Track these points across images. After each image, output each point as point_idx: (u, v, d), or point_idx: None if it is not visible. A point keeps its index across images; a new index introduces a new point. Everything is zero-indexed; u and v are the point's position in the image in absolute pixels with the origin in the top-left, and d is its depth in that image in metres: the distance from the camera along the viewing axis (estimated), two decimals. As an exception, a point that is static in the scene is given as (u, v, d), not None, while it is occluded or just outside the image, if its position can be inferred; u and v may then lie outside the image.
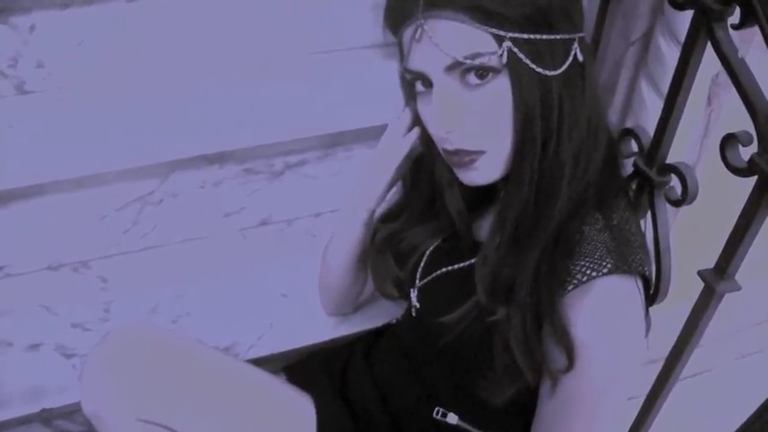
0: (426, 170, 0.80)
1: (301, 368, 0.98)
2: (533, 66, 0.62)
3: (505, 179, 0.70)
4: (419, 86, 0.69)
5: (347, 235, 0.89)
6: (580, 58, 0.66)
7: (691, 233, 1.06)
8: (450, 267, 0.79)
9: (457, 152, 0.67)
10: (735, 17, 0.64)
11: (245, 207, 1.14)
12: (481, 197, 0.80)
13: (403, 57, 0.69)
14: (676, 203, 0.78)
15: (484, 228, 0.80)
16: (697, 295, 0.75)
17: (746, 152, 0.65)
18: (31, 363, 0.99)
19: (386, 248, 0.87)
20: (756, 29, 0.61)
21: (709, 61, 0.70)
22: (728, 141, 0.66)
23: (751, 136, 0.64)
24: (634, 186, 0.84)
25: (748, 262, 0.70)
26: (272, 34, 1.08)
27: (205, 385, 0.83)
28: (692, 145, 1.04)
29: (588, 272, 0.65)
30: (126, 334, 0.82)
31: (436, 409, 0.82)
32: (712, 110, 1.01)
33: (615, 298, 0.66)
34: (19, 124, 0.97)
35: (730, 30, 0.66)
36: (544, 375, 0.70)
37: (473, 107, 0.65)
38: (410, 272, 0.84)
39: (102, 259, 1.10)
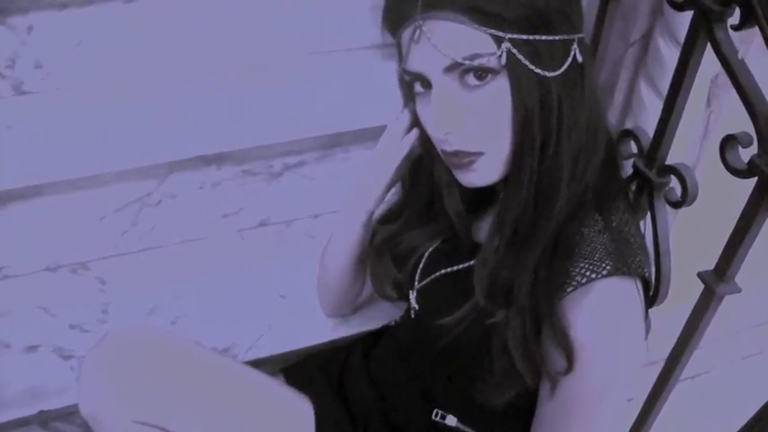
0: (425, 171, 0.80)
1: (300, 370, 0.97)
2: (532, 67, 0.62)
3: (504, 181, 0.69)
4: (418, 87, 0.69)
5: (346, 236, 0.89)
6: (579, 58, 0.65)
7: (690, 234, 1.06)
8: (449, 269, 0.79)
9: (456, 153, 0.67)
10: (734, 18, 0.64)
11: (244, 208, 1.14)
12: (480, 199, 0.79)
13: (401, 58, 0.69)
14: (676, 205, 0.78)
15: (483, 229, 0.79)
16: (697, 297, 0.75)
17: (746, 153, 0.65)
18: (29, 364, 0.98)
19: (385, 250, 0.86)
20: (756, 30, 0.60)
21: (709, 62, 0.70)
22: (728, 143, 0.66)
23: (751, 137, 0.64)
24: (633, 188, 0.83)
25: (748, 263, 0.70)
26: (270, 35, 1.08)
27: (203, 387, 0.83)
28: (691, 146, 1.04)
29: (587, 273, 0.65)
30: (124, 336, 0.82)
31: (435, 411, 0.82)
32: (712, 111, 1.01)
33: (614, 300, 0.65)
34: (17, 125, 0.97)
35: (730, 30, 0.66)
36: (543, 377, 0.69)
37: (472, 108, 0.64)
38: (409, 273, 0.84)
39: (101, 260, 1.10)
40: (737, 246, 0.68)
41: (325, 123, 1.06)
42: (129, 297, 1.08)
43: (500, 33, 0.61)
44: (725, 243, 0.70)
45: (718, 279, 0.71)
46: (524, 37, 0.62)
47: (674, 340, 0.81)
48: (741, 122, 0.65)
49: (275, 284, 1.11)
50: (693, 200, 0.76)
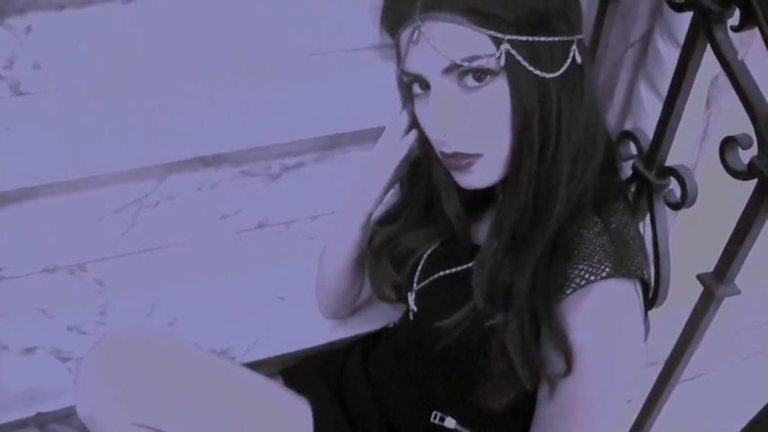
0: (424, 173, 0.80)
1: (298, 372, 0.97)
2: (531, 68, 0.62)
3: (503, 182, 0.69)
4: (416, 89, 0.69)
5: (344, 238, 0.89)
6: (578, 60, 0.65)
7: (690, 236, 1.05)
8: (447, 271, 0.78)
9: (454, 155, 0.67)
10: (734, 19, 0.63)
11: (242, 209, 1.14)
12: (479, 200, 0.79)
13: (400, 59, 0.68)
14: (675, 206, 0.78)
15: (482, 231, 0.79)
16: (696, 298, 0.75)
17: (746, 155, 0.64)
18: (27, 366, 0.98)
19: (383, 251, 0.86)
20: (756, 31, 0.60)
21: (709, 63, 0.70)
22: (728, 144, 0.65)
23: (751, 139, 0.64)
24: (633, 189, 0.83)
25: (748, 264, 0.70)
26: (269, 36, 1.08)
27: (201, 390, 0.82)
28: (690, 147, 1.04)
29: (586, 276, 0.64)
30: (122, 338, 0.82)
31: (434, 413, 0.82)
32: (711, 112, 1.00)
33: (614, 302, 0.65)
34: (15, 126, 0.97)
35: (730, 32, 0.65)
36: (542, 379, 0.69)
37: (470, 110, 0.64)
38: (407, 275, 0.83)
39: (99, 262, 1.10)
40: (737, 248, 0.67)
41: (324, 124, 1.05)
42: (127, 299, 1.08)
43: (499, 35, 0.61)
44: (724, 245, 0.70)
45: (717, 281, 0.71)
46: (523, 38, 0.61)
47: (674, 341, 0.80)
48: (741, 124, 0.64)
49: (274, 286, 1.11)
50: (693, 201, 0.76)
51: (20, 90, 1.00)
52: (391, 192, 0.87)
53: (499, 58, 0.61)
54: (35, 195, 1.00)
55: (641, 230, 0.78)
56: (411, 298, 0.83)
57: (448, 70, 0.63)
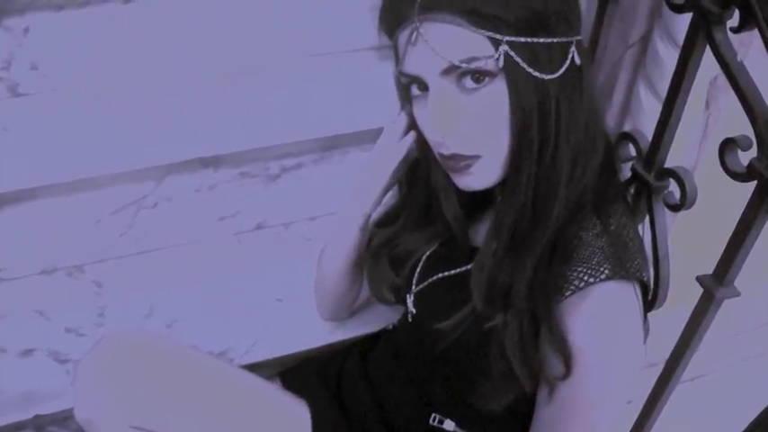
0: (422, 174, 0.79)
1: (297, 374, 0.97)
2: (530, 70, 0.62)
3: (502, 184, 0.69)
4: (415, 90, 0.69)
5: (343, 239, 0.89)
6: (578, 61, 0.65)
7: (689, 238, 1.05)
8: (446, 273, 0.78)
9: (453, 157, 0.67)
10: (734, 20, 0.63)
11: (241, 211, 1.14)
12: (478, 202, 0.79)
13: (398, 60, 0.68)
14: (675, 208, 0.78)
15: (480, 233, 0.79)
16: (696, 299, 0.75)
17: (745, 157, 0.64)
18: (25, 368, 0.98)
19: (382, 253, 0.86)
20: (755, 32, 0.60)
21: (708, 64, 0.69)
22: (727, 146, 0.65)
23: (750, 141, 0.64)
24: (632, 191, 0.83)
25: (747, 265, 0.70)
26: (268, 36, 1.08)
27: (199, 392, 0.82)
28: (689, 148, 1.03)
29: (586, 278, 0.64)
30: (120, 340, 0.81)
31: (433, 415, 0.82)
32: (710, 113, 1.00)
33: (613, 304, 0.65)
34: (13, 127, 0.97)
35: (729, 33, 0.65)
36: (541, 381, 0.69)
37: (469, 111, 0.64)
38: (406, 277, 0.83)
39: (97, 263, 1.09)
40: (737, 249, 0.67)
41: (324, 125, 1.05)
42: (126, 300, 1.08)
43: (498, 36, 0.61)
44: (724, 246, 0.69)
45: (717, 283, 0.71)
46: (522, 39, 0.61)
47: (674, 342, 0.80)
48: (740, 125, 0.64)
49: (272, 288, 1.11)
50: (692, 203, 0.76)
51: (18, 91, 1.00)
52: (390, 193, 0.87)
53: (498, 59, 0.61)
54: (33, 197, 1.00)
55: (641, 232, 0.78)
56: (410, 300, 0.83)
57: (446, 72, 0.63)
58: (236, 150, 1.04)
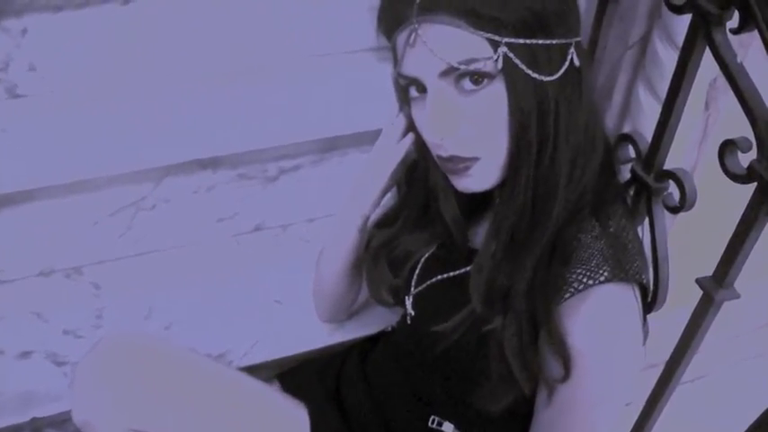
0: (421, 176, 0.79)
1: (295, 376, 0.97)
2: (529, 71, 0.62)
3: (501, 185, 0.69)
4: (413, 92, 0.68)
5: (341, 241, 0.89)
6: (577, 62, 0.65)
7: (689, 239, 1.05)
8: (445, 275, 0.78)
9: (451, 159, 0.66)
10: (733, 21, 0.63)
11: (239, 212, 1.14)
12: (477, 204, 0.79)
13: (397, 61, 0.68)
14: (674, 210, 0.78)
15: (479, 235, 0.79)
16: (696, 301, 0.74)
17: (745, 158, 0.64)
18: (22, 371, 0.98)
19: (380, 255, 0.86)
20: (755, 33, 0.60)
21: (707, 65, 0.69)
22: (727, 148, 0.65)
23: (750, 142, 0.63)
24: (631, 193, 0.83)
25: (747, 265, 0.70)
26: (265, 38, 1.07)
27: (197, 394, 0.82)
28: (689, 149, 1.03)
29: (585, 280, 0.64)
30: (117, 342, 0.81)
31: (432, 417, 0.81)
32: (710, 114, 1.00)
33: (612, 307, 0.65)
34: (11, 128, 0.97)
35: (729, 34, 0.65)
36: (540, 384, 0.69)
37: (468, 113, 0.64)
38: (405, 279, 0.83)
39: (95, 265, 1.09)
40: (736, 252, 0.67)
41: (323, 126, 1.05)
42: (124, 302, 1.07)
43: (497, 37, 0.60)
44: (723, 248, 0.69)
45: (716, 285, 0.71)
46: (521, 41, 0.61)
47: (674, 343, 0.80)
48: (739, 126, 0.64)
49: (271, 289, 1.11)
50: (692, 205, 0.75)
51: (16, 92, 1.00)
52: (389, 194, 0.87)
53: (497, 61, 0.61)
54: (31, 198, 1.00)
55: (640, 234, 0.78)
56: (409, 302, 0.82)
57: (445, 73, 0.63)
58: (234, 152, 1.04)
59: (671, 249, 0.81)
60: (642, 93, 0.92)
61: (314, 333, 1.05)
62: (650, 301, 0.81)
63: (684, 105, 0.74)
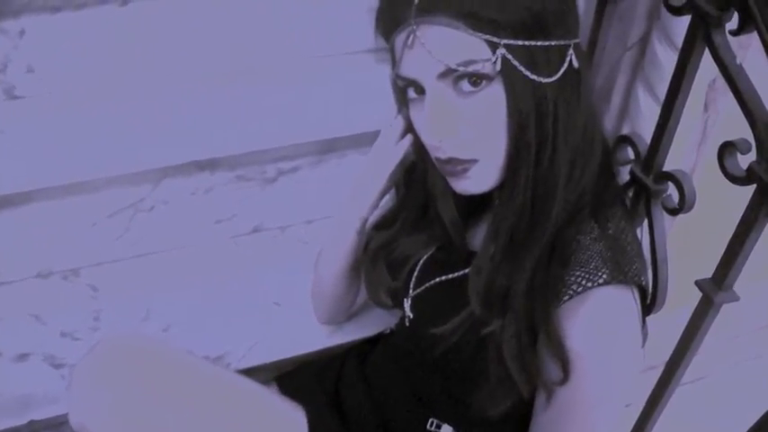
0: (419, 178, 0.79)
1: (293, 378, 0.96)
2: (528, 73, 0.61)
3: (500, 187, 0.69)
4: (411, 93, 0.68)
5: (340, 243, 0.88)
6: (575, 64, 0.65)
7: (688, 241, 1.05)
8: (444, 277, 0.78)
9: (450, 161, 0.66)
10: (733, 23, 0.63)
11: (237, 214, 1.13)
12: (475, 205, 0.79)
13: (395, 63, 0.68)
14: (673, 212, 0.78)
15: (478, 237, 0.79)
16: (695, 302, 0.74)
17: (745, 160, 0.64)
18: (20, 373, 0.97)
19: (379, 256, 0.85)
20: (754, 34, 0.60)
21: (706, 66, 0.69)
22: (726, 149, 0.65)
23: (749, 144, 0.63)
24: (630, 194, 0.83)
25: (747, 266, 0.70)
26: (264, 39, 1.07)
27: (195, 397, 0.81)
28: (688, 151, 1.03)
29: (583, 282, 0.64)
30: (115, 344, 0.81)
31: (430, 420, 0.81)
32: (709, 116, 1.00)
33: (611, 309, 0.65)
34: (9, 130, 0.96)
35: (728, 35, 0.65)
36: (539, 386, 0.69)
37: (466, 115, 0.64)
38: (404, 281, 0.83)
39: (93, 267, 1.09)
40: (736, 254, 0.67)
41: (321, 128, 1.05)
42: (121, 304, 1.07)
43: (495, 39, 0.60)
44: (723, 250, 0.69)
45: (716, 287, 0.71)
46: (520, 42, 0.61)
47: (673, 345, 0.80)
48: (739, 127, 0.64)
49: (269, 291, 1.10)
50: (691, 207, 0.75)
51: (14, 94, 1.00)
52: (387, 196, 0.87)
53: (495, 62, 0.60)
54: (29, 200, 0.99)
55: (639, 236, 0.78)
56: (407, 304, 0.82)
57: (443, 75, 0.62)
58: (232, 153, 1.04)
59: (670, 251, 0.81)
60: (641, 94, 0.92)
61: (312, 335, 1.04)
62: (649, 303, 0.81)
63: (683, 107, 0.73)
